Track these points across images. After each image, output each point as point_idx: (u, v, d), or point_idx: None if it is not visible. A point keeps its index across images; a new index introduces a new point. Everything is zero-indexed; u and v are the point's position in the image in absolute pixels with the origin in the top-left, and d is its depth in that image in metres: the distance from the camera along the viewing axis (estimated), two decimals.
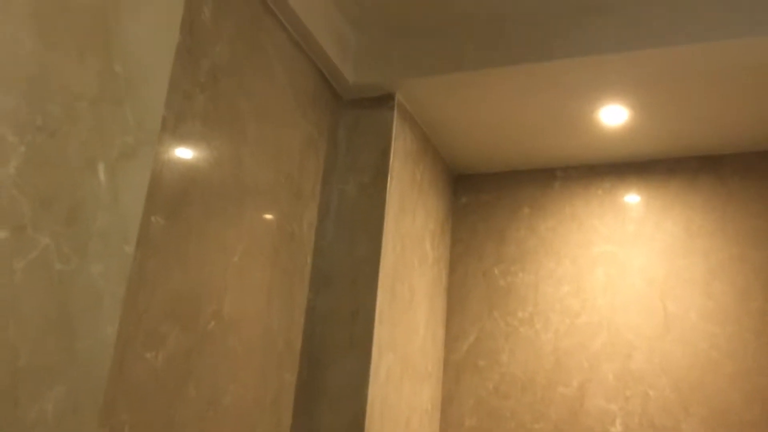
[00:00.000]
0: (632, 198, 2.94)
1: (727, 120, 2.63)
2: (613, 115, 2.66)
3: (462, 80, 2.50)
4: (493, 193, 3.17)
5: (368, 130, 2.60)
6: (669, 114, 2.62)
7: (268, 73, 2.19)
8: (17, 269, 0.80)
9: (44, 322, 0.84)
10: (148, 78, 0.98)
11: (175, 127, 1.78)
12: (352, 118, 2.64)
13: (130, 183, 0.96)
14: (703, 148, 2.85)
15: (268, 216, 2.17)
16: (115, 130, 0.93)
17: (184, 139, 1.81)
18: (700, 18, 2.20)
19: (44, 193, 0.84)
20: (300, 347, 2.31)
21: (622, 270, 2.85)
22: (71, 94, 0.84)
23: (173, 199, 1.75)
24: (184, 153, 1.81)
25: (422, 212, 2.85)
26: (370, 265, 2.43)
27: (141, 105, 0.96)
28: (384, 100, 2.61)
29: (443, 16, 2.46)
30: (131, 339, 1.53)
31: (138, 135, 0.96)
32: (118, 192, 0.94)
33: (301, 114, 2.36)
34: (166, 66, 1.00)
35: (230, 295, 1.95)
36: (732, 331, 2.64)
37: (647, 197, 2.92)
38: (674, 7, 2.23)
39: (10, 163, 0.78)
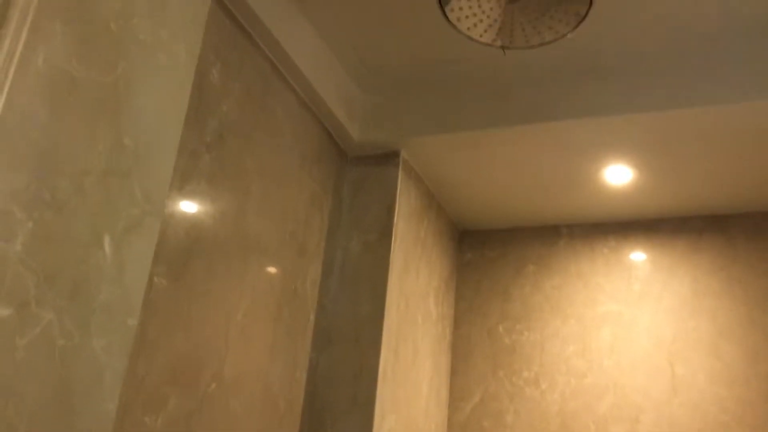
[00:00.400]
0: (638, 256, 2.93)
1: (733, 180, 2.63)
2: (618, 175, 2.66)
3: (467, 139, 2.52)
4: (498, 250, 3.16)
5: (373, 187, 2.61)
6: (674, 174, 2.63)
7: (274, 132, 2.20)
8: (19, 346, 0.79)
9: (44, 400, 0.83)
10: (157, 150, 0.98)
11: (181, 187, 1.78)
12: (357, 175, 2.64)
13: (135, 254, 0.95)
14: (708, 208, 2.84)
15: (272, 274, 2.16)
16: (122, 203, 0.93)
17: (189, 198, 1.81)
18: (701, 82, 2.22)
19: (49, 269, 0.83)
20: (301, 408, 2.27)
21: (629, 330, 2.81)
22: (80, 168, 0.84)
23: (177, 258, 1.75)
24: (188, 212, 1.81)
25: (426, 269, 2.84)
26: (374, 324, 2.40)
27: (148, 177, 0.96)
28: (389, 158, 2.62)
29: (448, 77, 2.49)
30: (131, 404, 1.51)
31: (144, 207, 0.96)
32: (123, 265, 0.93)
33: (306, 172, 2.37)
34: (175, 137, 1.00)
35: (231, 356, 1.93)
36: (740, 394, 2.59)
37: (653, 256, 2.91)
38: (675, 71, 2.25)
39: (17, 239, 0.77)
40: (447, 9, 1.90)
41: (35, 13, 0.81)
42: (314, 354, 2.37)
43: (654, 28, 2.18)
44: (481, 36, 2.00)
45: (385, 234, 2.53)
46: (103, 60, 0.87)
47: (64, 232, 0.84)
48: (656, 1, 2.07)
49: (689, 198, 2.78)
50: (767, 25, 2.13)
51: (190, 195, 1.82)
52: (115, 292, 0.92)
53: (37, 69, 0.76)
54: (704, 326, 2.72)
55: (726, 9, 2.08)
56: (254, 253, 2.07)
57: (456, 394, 2.96)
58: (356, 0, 2.19)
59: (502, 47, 2.04)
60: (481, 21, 1.93)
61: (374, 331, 2.39)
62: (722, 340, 2.68)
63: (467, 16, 1.91)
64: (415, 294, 2.70)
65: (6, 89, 0.74)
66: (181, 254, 1.76)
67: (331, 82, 2.43)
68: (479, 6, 1.87)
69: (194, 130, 1.82)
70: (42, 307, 0.82)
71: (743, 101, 2.14)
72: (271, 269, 2.16)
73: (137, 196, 0.95)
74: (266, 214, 2.14)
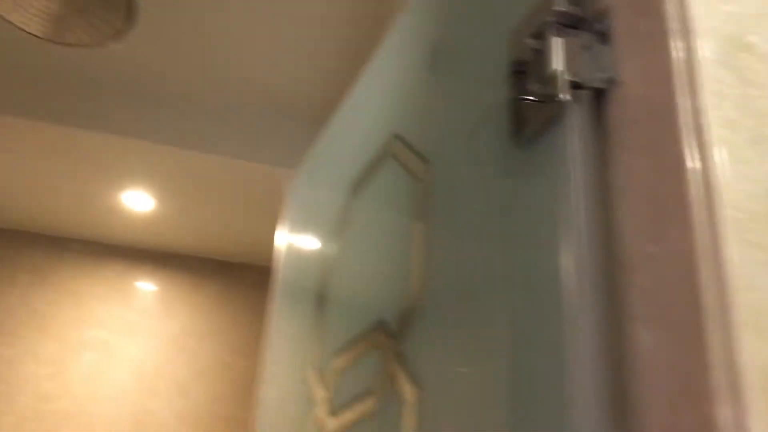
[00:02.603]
0: (142, 286, 2.89)
1: (234, 231, 2.78)
2: (138, 201, 2.61)
3: None
4: None
5: None
6: (190, 213, 2.68)
7: None
8: None
9: None
10: None
11: None
12: None
13: None
14: (214, 252, 2.96)
15: None
16: None
17: None
18: (218, 131, 2.30)
19: None
20: None
21: (112, 359, 2.73)
22: None
23: None
24: None
25: None
26: None
27: None
28: None
29: None
30: None
31: None
32: None
33: None
34: None
35: None
36: None
37: (157, 288, 2.90)
38: (199, 113, 2.31)
39: None
40: None
41: None
42: None
43: (190, 69, 2.21)
44: (20, 21, 1.77)
45: None
46: None
47: None
48: (199, 42, 2.10)
49: (200, 239, 2.86)
50: (283, 104, 2.31)
51: None
52: None
53: None
54: (185, 365, 2.78)
55: (254, 79, 2.22)
56: None
57: None
58: None
59: (37, 36, 1.84)
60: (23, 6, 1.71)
61: None
62: (197, 380, 2.77)
63: None
64: None
65: None
66: None
67: None
68: None
69: None
70: None
71: (241, 159, 2.28)
72: None
73: None
74: None
